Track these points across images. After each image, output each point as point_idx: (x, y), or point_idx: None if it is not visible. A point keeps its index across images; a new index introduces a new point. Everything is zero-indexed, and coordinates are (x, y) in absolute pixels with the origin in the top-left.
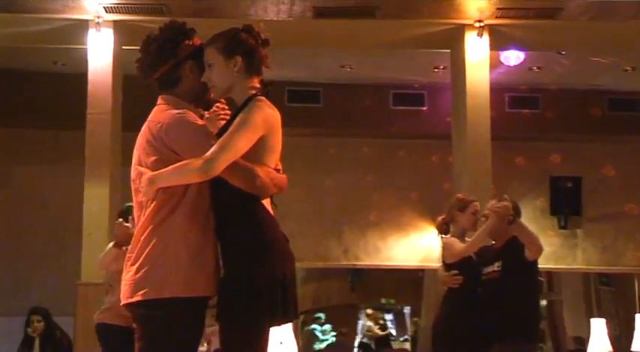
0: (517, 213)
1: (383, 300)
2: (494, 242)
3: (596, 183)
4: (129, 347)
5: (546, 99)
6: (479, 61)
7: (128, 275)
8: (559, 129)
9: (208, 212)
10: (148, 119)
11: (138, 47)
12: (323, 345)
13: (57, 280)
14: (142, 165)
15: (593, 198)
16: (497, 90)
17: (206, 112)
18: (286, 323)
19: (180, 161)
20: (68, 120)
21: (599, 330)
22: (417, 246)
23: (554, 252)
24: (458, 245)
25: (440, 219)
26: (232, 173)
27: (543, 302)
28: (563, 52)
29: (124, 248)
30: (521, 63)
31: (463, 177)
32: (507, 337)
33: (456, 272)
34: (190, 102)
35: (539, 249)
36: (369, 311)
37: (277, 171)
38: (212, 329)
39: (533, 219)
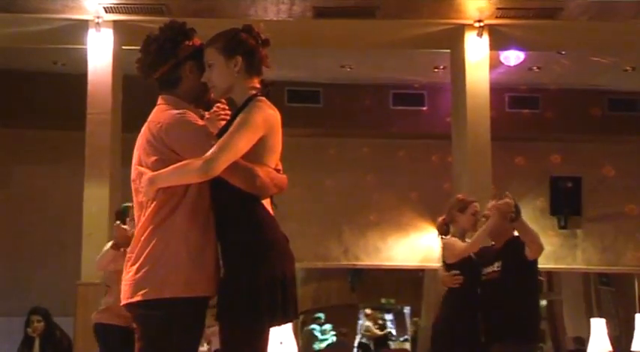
0: (517, 212)
1: (383, 300)
2: (493, 243)
3: (596, 183)
4: (127, 347)
5: (546, 99)
6: (479, 61)
7: (128, 276)
8: (559, 129)
9: (208, 212)
10: (148, 119)
11: (138, 47)
12: (323, 345)
13: (57, 280)
14: (142, 166)
15: (593, 198)
16: (497, 90)
17: (206, 112)
18: (286, 323)
19: (180, 161)
20: (68, 121)
21: (599, 330)
22: (417, 246)
23: (554, 251)
24: (459, 244)
25: (440, 219)
26: (232, 173)
27: (543, 302)
28: (563, 52)
29: (122, 249)
30: (521, 63)
31: (463, 177)
32: (507, 337)
33: (457, 272)
34: (190, 102)
35: (540, 248)
36: (368, 311)
37: (277, 171)
38: (212, 329)
39: (533, 219)
